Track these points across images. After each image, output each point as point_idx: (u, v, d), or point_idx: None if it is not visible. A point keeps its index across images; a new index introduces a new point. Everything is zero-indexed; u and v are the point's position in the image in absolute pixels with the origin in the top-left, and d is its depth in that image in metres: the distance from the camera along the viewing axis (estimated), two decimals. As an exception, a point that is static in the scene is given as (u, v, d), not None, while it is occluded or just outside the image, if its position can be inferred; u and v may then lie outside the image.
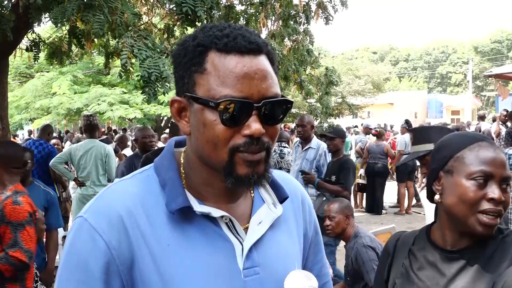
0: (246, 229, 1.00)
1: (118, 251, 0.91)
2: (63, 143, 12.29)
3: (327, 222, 3.40)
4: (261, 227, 1.01)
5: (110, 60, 6.36)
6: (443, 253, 1.34)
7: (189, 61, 0.93)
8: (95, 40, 5.29)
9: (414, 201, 9.86)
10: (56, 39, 6.09)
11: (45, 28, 9.42)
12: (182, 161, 1.03)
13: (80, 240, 0.92)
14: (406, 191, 9.66)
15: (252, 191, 1.07)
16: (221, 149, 0.91)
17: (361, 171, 9.65)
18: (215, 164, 0.94)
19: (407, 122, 10.11)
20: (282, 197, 1.06)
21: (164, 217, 0.95)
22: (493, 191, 1.25)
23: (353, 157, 10.63)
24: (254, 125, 0.89)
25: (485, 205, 1.24)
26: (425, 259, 1.36)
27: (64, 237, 5.74)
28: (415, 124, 14.74)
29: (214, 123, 0.89)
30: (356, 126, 17.10)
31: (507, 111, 8.99)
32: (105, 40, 5.56)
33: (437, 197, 1.34)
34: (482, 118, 12.32)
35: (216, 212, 0.96)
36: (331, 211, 3.40)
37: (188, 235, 0.95)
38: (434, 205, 1.51)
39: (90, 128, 5.80)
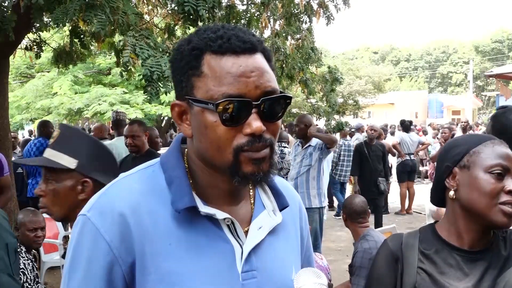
0: (246, 232, 1.00)
1: (120, 250, 0.91)
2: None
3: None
4: (261, 232, 1.01)
5: (120, 58, 6.29)
6: (463, 254, 1.34)
7: (186, 65, 0.93)
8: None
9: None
10: (61, 42, 6.07)
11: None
12: (186, 160, 1.02)
13: (83, 240, 0.93)
14: (407, 191, 9.65)
15: (252, 196, 1.06)
16: (224, 150, 0.91)
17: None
18: (220, 165, 0.93)
19: (401, 123, 10.23)
20: (282, 206, 1.07)
21: (168, 215, 0.95)
22: (510, 184, 1.28)
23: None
24: (254, 123, 0.89)
25: (504, 197, 1.27)
26: (445, 262, 1.34)
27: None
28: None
29: (214, 124, 0.90)
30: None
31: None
32: (112, 38, 5.53)
33: (451, 193, 1.34)
34: None
35: (220, 214, 0.96)
36: None
37: (190, 236, 0.95)
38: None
39: (117, 124, 5.67)
